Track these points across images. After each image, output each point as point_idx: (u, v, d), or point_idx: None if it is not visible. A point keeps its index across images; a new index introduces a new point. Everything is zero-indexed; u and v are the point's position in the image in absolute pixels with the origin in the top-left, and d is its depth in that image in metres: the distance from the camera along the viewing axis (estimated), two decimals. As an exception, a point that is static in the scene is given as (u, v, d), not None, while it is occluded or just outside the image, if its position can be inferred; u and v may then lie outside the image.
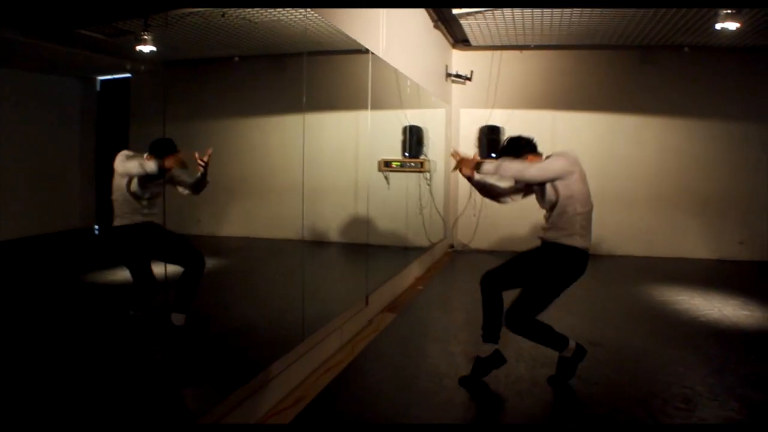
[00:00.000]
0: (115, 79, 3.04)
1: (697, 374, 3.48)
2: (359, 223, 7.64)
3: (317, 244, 7.23)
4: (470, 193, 8.24)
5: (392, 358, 3.80)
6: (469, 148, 8.19)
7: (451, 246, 8.14)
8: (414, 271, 6.10)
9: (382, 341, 4.10)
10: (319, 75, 4.30)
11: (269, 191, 5.14)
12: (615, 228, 7.77)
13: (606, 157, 7.86)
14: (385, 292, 5.05)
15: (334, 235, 7.33)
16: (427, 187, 8.01)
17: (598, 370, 3.52)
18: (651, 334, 4.27)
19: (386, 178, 7.93)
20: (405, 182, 7.91)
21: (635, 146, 7.88)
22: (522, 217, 8.06)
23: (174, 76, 3.32)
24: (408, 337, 4.26)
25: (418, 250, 6.78)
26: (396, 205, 7.92)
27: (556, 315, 3.60)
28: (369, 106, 5.21)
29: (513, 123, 8.03)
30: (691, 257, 7.63)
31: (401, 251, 7.40)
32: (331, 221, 7.41)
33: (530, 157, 3.46)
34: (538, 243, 3.46)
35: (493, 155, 8.00)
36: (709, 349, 3.94)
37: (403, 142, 7.87)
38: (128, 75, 3.08)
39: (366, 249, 7.52)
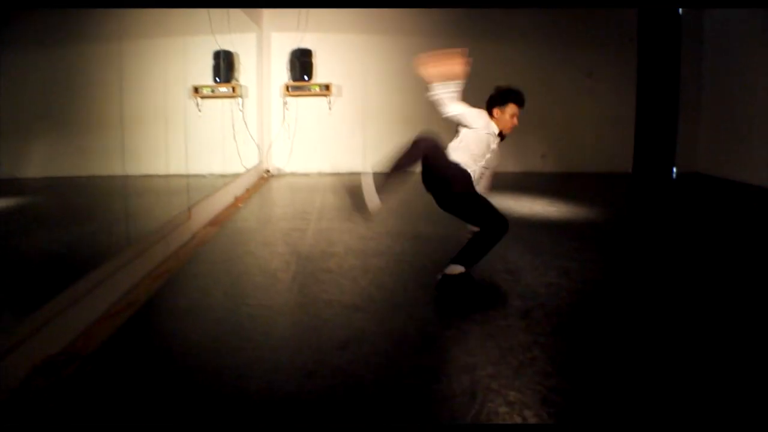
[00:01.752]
0: None
1: (518, 254, 4.02)
2: (176, 152, 7.38)
3: (138, 177, 6.88)
4: (283, 117, 8.35)
5: (221, 263, 3.91)
6: (282, 71, 8.25)
7: (267, 171, 8.24)
8: (232, 191, 6.15)
9: (209, 250, 4.18)
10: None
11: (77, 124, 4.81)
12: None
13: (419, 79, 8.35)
14: (207, 208, 5.09)
15: (151, 167, 7.03)
16: (240, 113, 7.95)
17: (434, 255, 3.98)
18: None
19: (198, 105, 7.72)
20: (218, 109, 7.75)
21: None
22: (334, 139, 8.39)
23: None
24: (235, 244, 4.38)
25: (234, 175, 6.80)
26: (210, 132, 7.76)
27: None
28: (177, 32, 5.07)
29: (325, 47, 8.21)
30: (499, 171, 8.39)
31: (219, 177, 7.35)
32: (146, 153, 7.10)
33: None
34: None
35: (306, 78, 8.15)
36: (526, 236, 4.51)
37: (214, 68, 7.68)
38: None
39: (186, 178, 7.32)
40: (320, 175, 8.19)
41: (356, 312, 2.96)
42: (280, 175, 8.22)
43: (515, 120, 3.69)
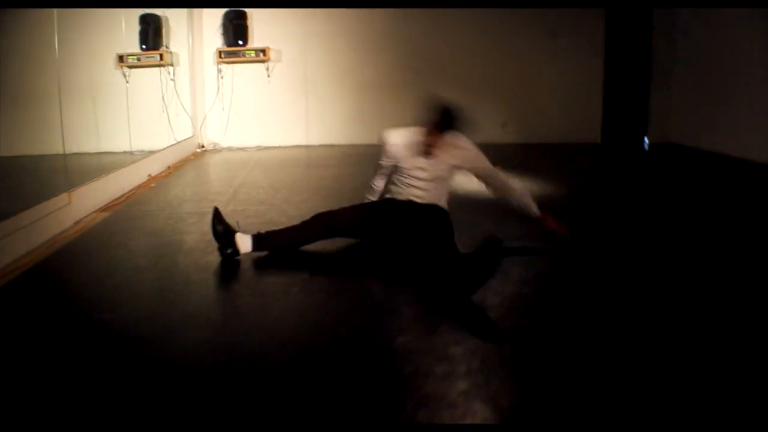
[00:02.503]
0: None
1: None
2: (89, 127, 6.72)
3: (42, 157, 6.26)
4: (218, 88, 7.64)
5: (86, 255, 3.28)
6: (216, 37, 7.54)
7: (201, 145, 7.55)
8: (147, 169, 5.48)
9: (81, 241, 3.55)
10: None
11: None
12: (390, 116, 7.73)
13: (366, 42, 7.69)
14: (100, 189, 4.44)
15: (69, 145, 6.39)
16: (171, 82, 7.26)
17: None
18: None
19: (125, 76, 7.03)
20: (149, 80, 7.10)
21: (400, 31, 7.76)
22: (274, 110, 7.73)
23: None
24: (115, 233, 3.71)
25: (151, 152, 6.15)
26: (138, 105, 7.11)
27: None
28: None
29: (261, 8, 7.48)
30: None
31: (140, 156, 6.73)
32: (58, 130, 6.44)
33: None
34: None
35: (240, 42, 7.44)
36: (480, 218, 3.88)
37: (141, 34, 6.98)
38: None
39: (97, 157, 6.63)
40: (259, 149, 7.52)
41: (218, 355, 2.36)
42: (216, 150, 7.54)
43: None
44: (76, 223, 3.90)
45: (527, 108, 7.95)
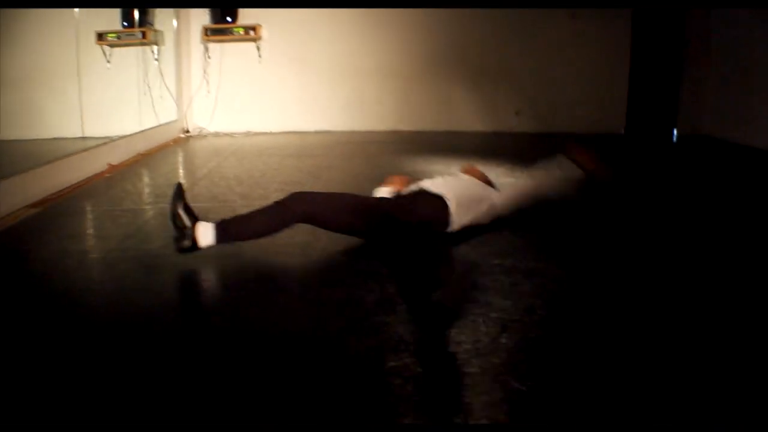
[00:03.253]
0: None
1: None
2: (71, 111, 6.28)
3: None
4: (204, 69, 7.09)
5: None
6: (203, 13, 6.98)
7: (186, 131, 7.02)
8: (107, 157, 4.96)
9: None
10: None
11: None
12: (393, 104, 7.21)
13: (369, 25, 7.08)
14: (39, 179, 3.93)
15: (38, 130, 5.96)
16: (156, 62, 6.76)
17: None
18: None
19: (105, 54, 6.55)
20: (128, 59, 6.64)
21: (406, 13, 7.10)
22: (265, 92, 7.17)
23: None
24: (32, 235, 3.19)
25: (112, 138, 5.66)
26: (119, 86, 6.66)
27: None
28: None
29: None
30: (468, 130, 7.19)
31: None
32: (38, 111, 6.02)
33: None
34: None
35: (229, 19, 6.87)
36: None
37: (123, 10, 6.49)
38: None
39: (74, 142, 6.15)
40: (248, 135, 6.97)
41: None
42: (201, 135, 7.00)
43: None
44: (-2, 220, 3.40)
45: (545, 95, 7.23)
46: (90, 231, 3.36)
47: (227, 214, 2.72)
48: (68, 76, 5.82)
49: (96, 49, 6.55)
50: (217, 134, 7.00)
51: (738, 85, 6.58)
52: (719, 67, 6.95)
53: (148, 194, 4.14)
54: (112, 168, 4.90)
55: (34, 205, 3.76)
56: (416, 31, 7.11)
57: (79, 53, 6.01)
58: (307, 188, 3.89)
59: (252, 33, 6.85)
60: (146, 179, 4.74)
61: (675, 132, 7.35)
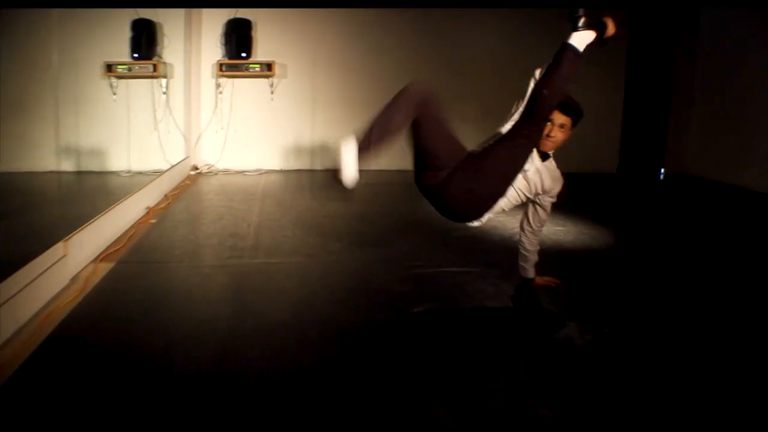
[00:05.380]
0: None
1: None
2: (69, 144, 6.05)
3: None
4: (216, 103, 6.94)
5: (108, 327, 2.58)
6: (215, 47, 6.84)
7: (195, 167, 6.82)
8: (144, 200, 4.76)
9: (90, 303, 2.85)
10: None
11: None
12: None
13: (379, 61, 7.10)
14: (96, 233, 3.70)
15: (31, 163, 5.67)
16: (164, 96, 6.58)
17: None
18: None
19: (112, 86, 6.35)
20: (137, 91, 6.48)
21: (414, 51, 7.19)
22: (277, 130, 7.07)
23: None
24: (129, 292, 3.04)
25: (152, 175, 5.48)
26: (124, 120, 6.46)
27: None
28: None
29: (267, 17, 6.83)
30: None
31: (127, 177, 6.07)
32: (30, 144, 5.72)
33: None
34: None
35: (244, 55, 6.79)
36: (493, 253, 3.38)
37: (132, 41, 6.31)
38: None
39: (80, 177, 5.95)
40: (260, 173, 6.84)
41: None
42: (211, 173, 6.82)
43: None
44: (74, 280, 3.19)
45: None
46: (196, 291, 3.20)
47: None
48: (64, 105, 5.69)
49: (102, 80, 6.37)
50: (227, 172, 6.83)
51: (722, 127, 7.08)
52: (705, 109, 7.46)
53: (219, 245, 3.96)
54: (151, 212, 4.70)
55: (104, 258, 3.56)
56: (418, 69, 7.17)
57: (82, 83, 5.87)
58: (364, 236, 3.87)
59: (267, 69, 6.76)
60: (198, 227, 4.57)
61: (662, 171, 7.75)
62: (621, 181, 7.31)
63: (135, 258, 3.59)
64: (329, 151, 7.14)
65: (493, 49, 7.26)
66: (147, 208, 4.70)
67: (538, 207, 2.94)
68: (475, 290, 3.09)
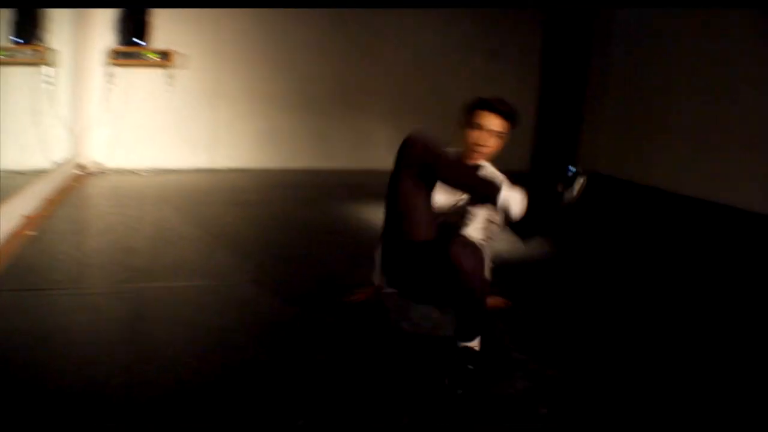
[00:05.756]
0: None
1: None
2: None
3: None
4: (107, 95, 6.26)
5: None
6: (108, 33, 6.17)
7: (83, 167, 6.12)
8: (19, 208, 4.11)
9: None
10: None
11: None
12: (288, 137, 6.84)
13: (287, 54, 6.69)
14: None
15: None
16: (48, 86, 5.85)
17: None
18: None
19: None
20: (14, 79, 5.59)
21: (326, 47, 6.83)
22: (176, 125, 6.51)
23: None
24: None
25: (27, 176, 4.81)
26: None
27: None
28: None
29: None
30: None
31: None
32: None
33: None
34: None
35: (139, 42, 6.16)
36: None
37: (14, 24, 5.55)
38: None
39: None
40: (156, 172, 6.24)
41: None
42: (101, 173, 6.15)
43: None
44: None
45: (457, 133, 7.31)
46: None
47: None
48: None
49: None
50: (119, 171, 6.18)
51: (630, 129, 7.25)
52: (616, 109, 7.58)
53: (114, 265, 3.42)
54: (30, 222, 4.07)
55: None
56: (333, 65, 6.89)
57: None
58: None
59: (164, 59, 6.16)
60: (88, 239, 3.99)
61: (571, 169, 7.83)
62: (532, 179, 7.29)
63: (7, 284, 3.00)
64: (234, 149, 6.67)
65: (416, 42, 7.06)
66: (24, 217, 4.06)
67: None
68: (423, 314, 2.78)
